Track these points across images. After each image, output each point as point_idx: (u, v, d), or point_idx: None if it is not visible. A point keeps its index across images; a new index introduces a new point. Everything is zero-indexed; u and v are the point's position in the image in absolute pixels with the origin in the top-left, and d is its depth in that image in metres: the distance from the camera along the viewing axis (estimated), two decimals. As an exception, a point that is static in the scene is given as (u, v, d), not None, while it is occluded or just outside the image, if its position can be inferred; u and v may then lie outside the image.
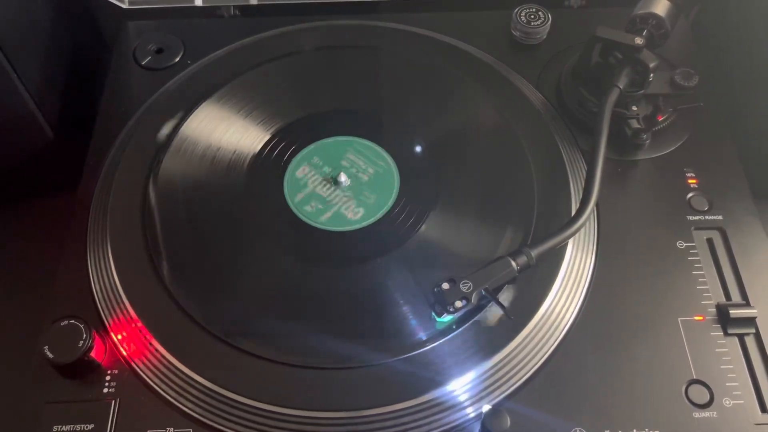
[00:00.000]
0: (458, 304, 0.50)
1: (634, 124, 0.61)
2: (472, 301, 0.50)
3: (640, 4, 0.63)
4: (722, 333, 0.53)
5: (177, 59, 0.70)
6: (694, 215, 0.59)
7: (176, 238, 0.57)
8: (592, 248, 0.58)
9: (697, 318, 0.54)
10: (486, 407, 0.49)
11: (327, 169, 0.62)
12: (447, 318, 0.52)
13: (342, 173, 0.61)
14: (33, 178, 0.70)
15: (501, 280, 0.52)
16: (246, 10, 0.74)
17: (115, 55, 0.71)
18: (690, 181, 0.61)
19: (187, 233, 0.58)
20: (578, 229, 0.53)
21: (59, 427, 0.49)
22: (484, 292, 0.51)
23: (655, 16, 0.61)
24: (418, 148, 0.64)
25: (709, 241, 0.58)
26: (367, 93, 0.67)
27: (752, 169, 0.63)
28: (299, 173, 0.62)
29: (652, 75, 0.60)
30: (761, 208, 0.60)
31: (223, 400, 0.50)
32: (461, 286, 0.50)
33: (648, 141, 0.61)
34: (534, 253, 0.52)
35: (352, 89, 0.67)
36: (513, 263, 0.52)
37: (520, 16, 0.69)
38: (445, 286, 0.51)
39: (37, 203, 0.70)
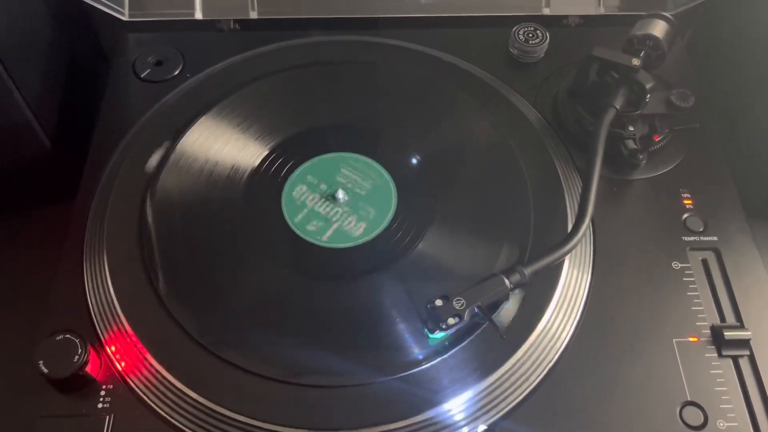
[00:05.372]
0: (451, 321, 0.50)
1: (631, 144, 0.61)
2: (465, 318, 0.50)
3: (637, 25, 0.63)
4: (716, 354, 0.53)
5: (176, 72, 0.70)
6: (690, 236, 0.59)
7: (173, 253, 0.57)
8: (588, 267, 0.58)
9: (691, 339, 0.54)
10: (481, 427, 0.49)
11: (325, 185, 0.62)
12: (440, 335, 0.52)
13: (339, 189, 0.61)
14: (30, 188, 0.70)
15: (494, 297, 0.52)
16: (246, 24, 0.74)
17: (114, 66, 0.71)
18: (685, 201, 0.61)
19: (185, 248, 0.58)
20: (571, 249, 0.53)
21: (53, 441, 0.49)
22: (477, 310, 0.51)
23: (652, 37, 0.62)
24: (415, 165, 0.64)
25: (704, 262, 0.58)
26: (366, 109, 0.67)
27: (746, 188, 0.63)
28: (297, 189, 0.62)
29: (648, 96, 0.60)
30: (756, 228, 0.60)
31: (218, 416, 0.49)
32: (454, 303, 0.51)
33: (644, 161, 0.61)
34: (527, 271, 0.52)
35: (351, 105, 0.67)
36: (506, 281, 0.52)
37: (518, 34, 0.70)
38: (438, 302, 0.51)
39: (34, 214, 0.70)
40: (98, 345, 0.53)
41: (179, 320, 0.53)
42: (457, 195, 0.62)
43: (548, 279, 0.55)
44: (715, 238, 0.59)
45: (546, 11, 0.73)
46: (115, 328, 0.53)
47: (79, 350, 0.50)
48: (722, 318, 0.55)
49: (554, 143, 0.64)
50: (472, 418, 0.50)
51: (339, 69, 0.69)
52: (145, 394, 0.51)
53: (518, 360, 0.52)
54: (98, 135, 0.66)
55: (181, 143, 0.62)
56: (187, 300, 0.55)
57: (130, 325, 0.53)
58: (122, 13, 0.72)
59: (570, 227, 0.57)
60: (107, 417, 0.50)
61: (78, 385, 0.51)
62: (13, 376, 0.52)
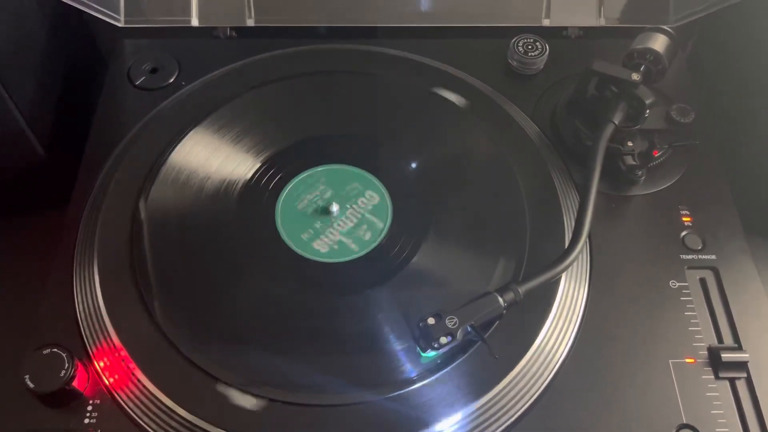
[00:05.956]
0: (443, 340, 0.49)
1: (629, 160, 0.60)
2: (458, 337, 0.50)
3: (638, 39, 0.63)
4: (713, 376, 0.53)
5: (171, 80, 0.69)
6: (688, 254, 0.58)
7: (164, 266, 0.56)
8: (585, 284, 0.57)
9: (688, 360, 0.53)
10: (472, 448, 0.49)
11: (318, 198, 0.61)
12: (432, 353, 0.51)
13: (333, 203, 0.60)
14: (21, 196, 0.69)
15: (487, 316, 0.51)
16: (242, 31, 0.73)
17: (109, 73, 0.71)
18: (684, 218, 0.60)
19: (176, 261, 0.57)
20: (566, 268, 0.52)
21: (39, 456, 0.49)
22: (470, 329, 0.50)
23: (652, 51, 0.61)
24: (411, 178, 0.63)
25: (702, 281, 0.58)
26: (361, 120, 0.66)
27: (747, 205, 0.62)
28: (290, 202, 0.61)
29: (648, 111, 0.59)
30: (756, 247, 0.60)
31: (206, 434, 0.49)
32: (447, 321, 0.50)
33: (643, 177, 0.60)
34: (521, 289, 0.51)
35: (346, 116, 0.67)
36: (500, 299, 0.51)
37: (517, 46, 0.69)
38: (431, 321, 0.50)
39: (26, 222, 0.69)
40: (86, 359, 0.52)
41: (169, 335, 0.52)
42: (453, 209, 0.61)
43: (544, 296, 0.54)
44: (713, 257, 0.58)
45: (546, 22, 0.72)
46: (103, 341, 0.53)
47: (66, 364, 0.50)
48: (720, 339, 0.55)
49: (552, 157, 0.63)
50: (464, 440, 0.49)
51: (335, 79, 0.68)
52: (132, 409, 0.50)
53: (513, 379, 0.51)
54: (92, 143, 0.65)
55: (174, 153, 0.62)
56: (176, 313, 0.54)
57: (119, 339, 0.52)
58: (118, 20, 0.71)
59: (567, 243, 0.56)
60: (94, 432, 0.50)
61: (65, 399, 0.50)
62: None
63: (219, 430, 0.49)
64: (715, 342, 0.54)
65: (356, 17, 0.73)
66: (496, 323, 0.52)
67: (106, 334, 0.53)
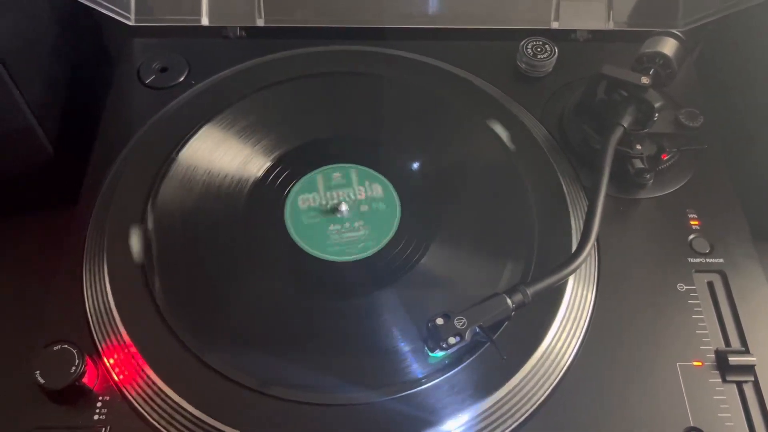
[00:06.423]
0: (452, 340, 0.49)
1: (638, 163, 0.60)
2: (466, 338, 0.50)
3: (647, 43, 0.63)
4: (720, 380, 0.53)
5: (181, 79, 0.69)
6: (696, 257, 0.59)
7: (174, 264, 0.57)
8: (593, 287, 0.57)
9: (695, 363, 0.53)
10: (479, 449, 0.49)
11: (328, 198, 0.61)
12: (440, 353, 0.51)
13: (343, 203, 0.60)
14: (31, 193, 0.70)
15: (496, 317, 0.51)
16: (252, 31, 0.74)
17: (118, 72, 0.71)
18: (692, 222, 0.61)
19: (185, 259, 0.57)
20: (574, 270, 0.52)
21: (49, 453, 0.49)
22: (478, 330, 0.50)
23: (662, 55, 0.61)
24: (419, 179, 0.63)
25: (710, 285, 0.58)
26: (370, 121, 0.67)
27: (755, 209, 0.63)
28: (300, 201, 0.61)
29: (656, 115, 0.59)
30: (763, 251, 0.60)
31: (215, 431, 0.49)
32: (455, 322, 0.50)
33: (651, 181, 0.61)
34: (530, 291, 0.51)
35: (355, 117, 0.67)
36: (508, 301, 0.51)
37: (526, 48, 0.69)
38: (439, 321, 0.50)
39: (35, 219, 0.69)
40: (96, 355, 0.53)
41: (178, 332, 0.52)
42: (461, 211, 0.61)
43: (552, 298, 0.54)
44: (721, 261, 0.58)
45: (555, 25, 0.72)
46: (113, 338, 0.53)
47: (77, 361, 0.50)
48: (727, 342, 0.55)
49: (560, 160, 0.64)
50: (472, 440, 0.49)
51: (344, 80, 0.69)
52: (141, 406, 0.51)
53: (520, 381, 0.52)
54: (101, 141, 0.65)
55: (183, 152, 0.62)
56: (186, 311, 0.54)
57: (129, 336, 0.52)
58: (128, 18, 0.72)
59: (575, 246, 0.56)
60: (103, 429, 0.50)
61: (74, 396, 0.51)
62: (9, 386, 0.51)
63: (228, 428, 0.49)
64: (722, 345, 0.54)
65: (365, 18, 0.73)
66: (504, 325, 0.53)
67: (115, 331, 0.53)
